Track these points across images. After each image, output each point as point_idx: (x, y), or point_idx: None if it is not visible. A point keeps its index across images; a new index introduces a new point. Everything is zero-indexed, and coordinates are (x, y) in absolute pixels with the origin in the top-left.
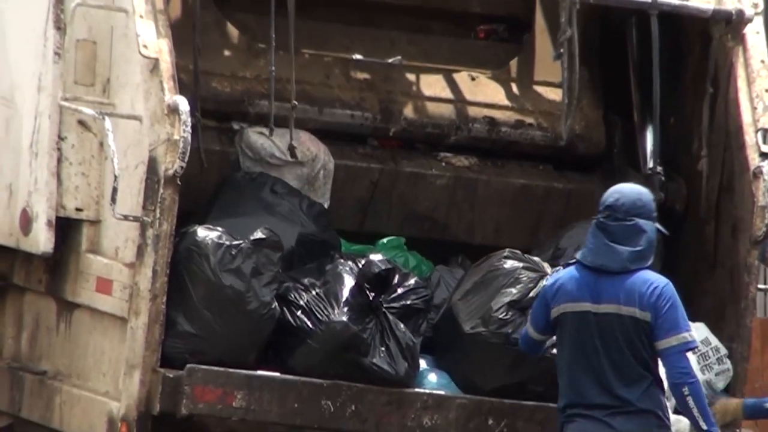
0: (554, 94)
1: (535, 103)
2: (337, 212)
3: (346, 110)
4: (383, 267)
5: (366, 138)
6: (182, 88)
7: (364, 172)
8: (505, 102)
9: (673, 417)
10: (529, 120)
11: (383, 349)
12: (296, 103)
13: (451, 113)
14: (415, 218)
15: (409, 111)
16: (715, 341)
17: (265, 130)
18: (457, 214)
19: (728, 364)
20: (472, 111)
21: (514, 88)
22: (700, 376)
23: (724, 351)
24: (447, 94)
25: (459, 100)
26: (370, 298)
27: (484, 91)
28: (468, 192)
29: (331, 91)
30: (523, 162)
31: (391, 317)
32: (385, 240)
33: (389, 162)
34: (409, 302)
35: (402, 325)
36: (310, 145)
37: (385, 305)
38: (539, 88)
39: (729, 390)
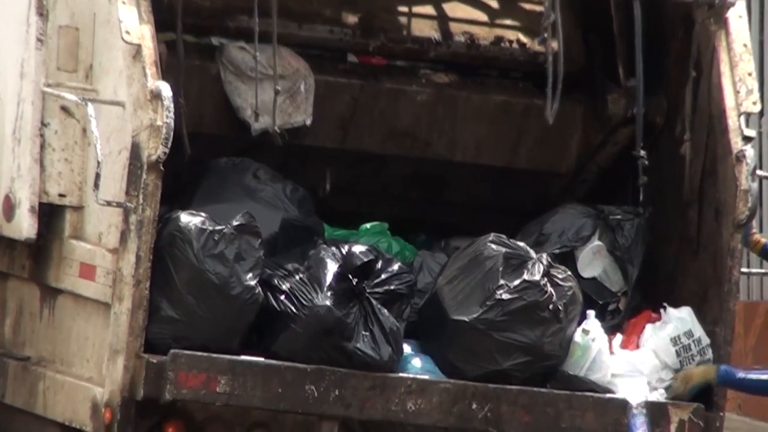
0: (534, 11)
1: (515, 20)
2: (318, 129)
3: (326, 25)
4: (365, 258)
5: (345, 54)
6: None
7: (344, 88)
8: (485, 18)
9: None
10: (509, 36)
11: (367, 333)
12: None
13: (431, 29)
14: (397, 135)
15: (388, 26)
16: (699, 332)
17: (246, 45)
18: (438, 131)
19: (710, 354)
20: (452, 27)
21: (494, 4)
22: (681, 369)
23: (706, 341)
24: (427, 10)
25: (439, 16)
26: (354, 284)
27: (463, 7)
28: (448, 108)
29: (311, 6)
30: (503, 79)
31: (374, 302)
32: (368, 225)
33: (370, 78)
34: (392, 287)
35: (385, 310)
36: (290, 60)
37: (368, 290)
38: (519, 5)
39: None
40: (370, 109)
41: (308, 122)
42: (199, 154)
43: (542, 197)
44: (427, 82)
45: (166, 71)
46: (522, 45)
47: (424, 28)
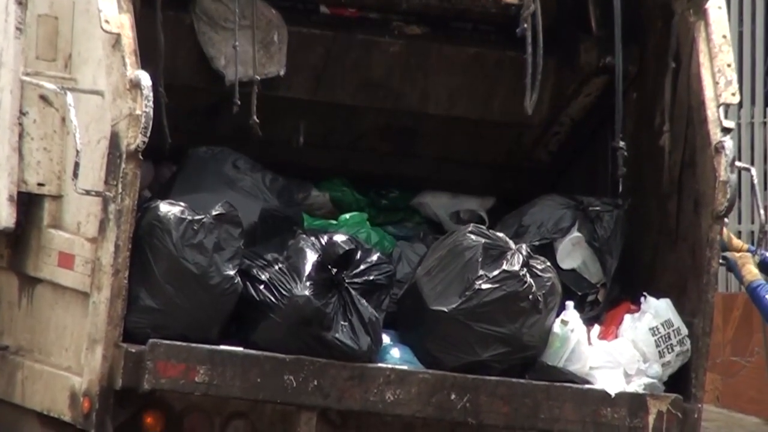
0: None
1: None
2: (291, 80)
3: None
4: (347, 247)
5: (318, 5)
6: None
7: (317, 39)
8: None
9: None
10: None
11: (346, 324)
12: None
13: None
14: (369, 86)
15: None
16: (677, 322)
17: None
18: (411, 82)
19: (688, 344)
20: None
21: None
22: (659, 359)
23: (685, 332)
24: None
25: None
26: (333, 274)
27: None
28: (421, 59)
29: None
30: (475, 31)
31: (353, 292)
32: (347, 215)
33: (342, 30)
34: (371, 278)
35: (364, 301)
36: (264, 11)
37: (347, 281)
38: None
39: (689, 366)
40: (343, 61)
41: (282, 73)
42: (174, 105)
43: (514, 150)
44: (399, 34)
45: (139, 22)
46: None
47: None
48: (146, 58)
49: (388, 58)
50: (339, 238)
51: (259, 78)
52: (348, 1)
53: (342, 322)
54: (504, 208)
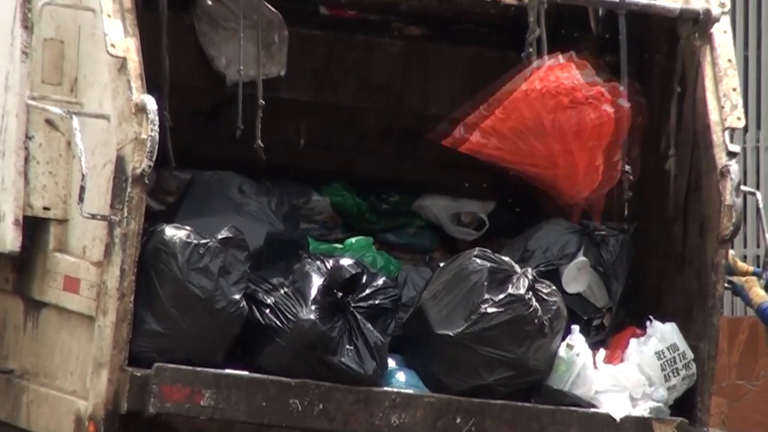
0: None
1: None
2: (292, 82)
3: None
4: (353, 271)
5: (317, 6)
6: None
7: (317, 40)
8: None
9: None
10: None
11: (351, 348)
12: None
13: None
14: (370, 88)
15: None
16: (683, 346)
17: None
18: (412, 83)
19: (693, 368)
20: None
21: None
22: (665, 383)
23: (690, 356)
24: None
25: None
26: (339, 298)
27: None
28: (421, 60)
29: None
30: (475, 32)
31: (359, 316)
32: (353, 240)
33: (342, 31)
34: (377, 302)
35: (370, 325)
36: (264, 10)
37: (353, 305)
38: None
39: (695, 390)
40: (343, 61)
41: (282, 73)
42: (175, 107)
43: None
44: (399, 35)
45: (140, 25)
46: None
47: None
48: (148, 62)
49: (389, 59)
50: (345, 261)
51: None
52: (348, 3)
53: (347, 346)
54: (504, 211)
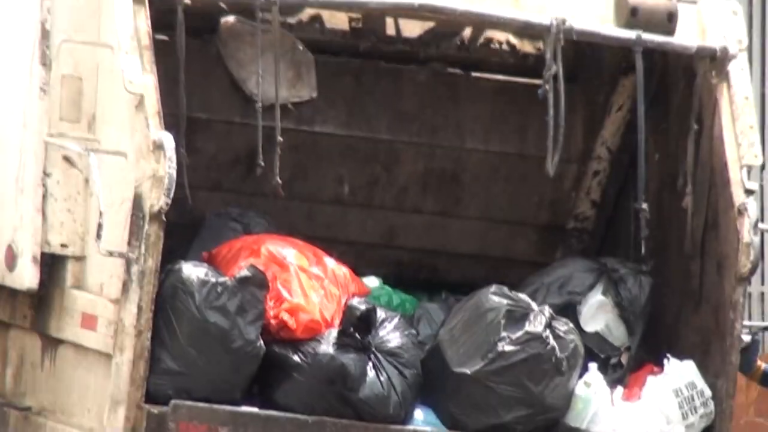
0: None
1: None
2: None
3: (315, 24)
4: (363, 308)
5: (337, 54)
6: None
7: (344, 65)
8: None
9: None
10: (499, 38)
11: (373, 384)
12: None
13: (422, 29)
14: (404, 120)
15: (378, 27)
16: (701, 384)
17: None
18: (444, 115)
19: (711, 406)
20: (443, 29)
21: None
22: (682, 420)
23: (708, 394)
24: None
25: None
26: (357, 336)
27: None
28: (450, 89)
29: (305, 10)
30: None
31: (378, 354)
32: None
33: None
34: (395, 339)
35: (389, 363)
36: (288, 37)
37: (371, 343)
38: (508, 7)
39: (712, 428)
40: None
41: (314, 95)
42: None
43: (557, 203)
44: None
45: (160, 63)
46: (512, 47)
47: (414, 29)
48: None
49: (417, 86)
50: (354, 301)
51: (289, 100)
52: (366, 50)
53: (368, 382)
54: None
